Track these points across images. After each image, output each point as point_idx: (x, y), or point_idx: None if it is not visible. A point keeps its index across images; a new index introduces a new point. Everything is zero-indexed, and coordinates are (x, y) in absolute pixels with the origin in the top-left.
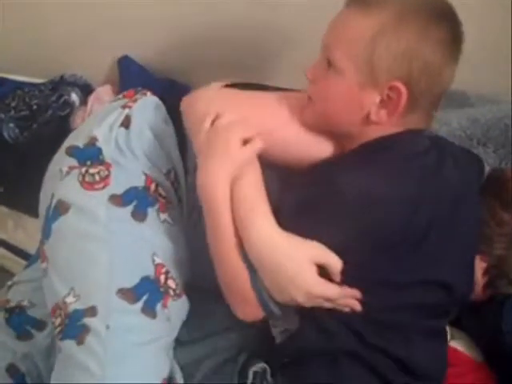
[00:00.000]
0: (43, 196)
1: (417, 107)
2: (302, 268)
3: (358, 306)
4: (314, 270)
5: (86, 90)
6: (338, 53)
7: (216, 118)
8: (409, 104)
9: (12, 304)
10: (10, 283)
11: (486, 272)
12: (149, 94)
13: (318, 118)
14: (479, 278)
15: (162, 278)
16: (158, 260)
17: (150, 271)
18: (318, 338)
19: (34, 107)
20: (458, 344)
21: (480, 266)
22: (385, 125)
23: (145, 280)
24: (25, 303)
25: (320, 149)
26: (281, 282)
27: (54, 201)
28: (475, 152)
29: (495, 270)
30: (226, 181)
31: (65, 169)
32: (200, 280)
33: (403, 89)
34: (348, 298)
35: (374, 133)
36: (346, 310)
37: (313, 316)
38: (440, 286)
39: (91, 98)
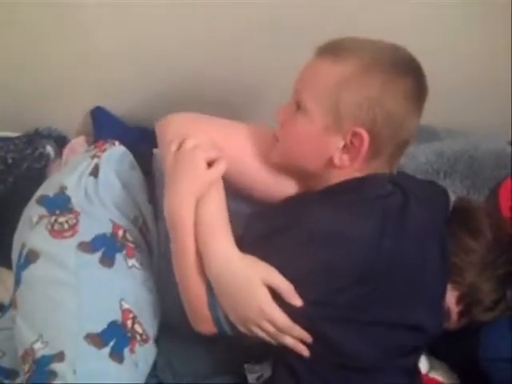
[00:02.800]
0: (15, 245)
1: (380, 154)
2: (254, 285)
3: (305, 352)
4: (265, 289)
5: (61, 142)
6: (307, 96)
7: (183, 142)
8: (371, 151)
9: None
10: None
11: (459, 300)
12: (117, 143)
13: (284, 158)
14: (453, 307)
15: (129, 322)
16: (125, 305)
17: (117, 316)
18: (289, 382)
19: (10, 161)
20: (436, 374)
21: (453, 294)
22: (347, 169)
23: (112, 325)
24: None
25: (282, 186)
26: (234, 299)
27: (25, 250)
28: (441, 184)
29: (469, 298)
30: (191, 202)
31: (35, 218)
32: (176, 320)
33: (366, 136)
34: (296, 339)
35: (337, 176)
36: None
37: (284, 361)
38: (407, 327)
39: (66, 150)
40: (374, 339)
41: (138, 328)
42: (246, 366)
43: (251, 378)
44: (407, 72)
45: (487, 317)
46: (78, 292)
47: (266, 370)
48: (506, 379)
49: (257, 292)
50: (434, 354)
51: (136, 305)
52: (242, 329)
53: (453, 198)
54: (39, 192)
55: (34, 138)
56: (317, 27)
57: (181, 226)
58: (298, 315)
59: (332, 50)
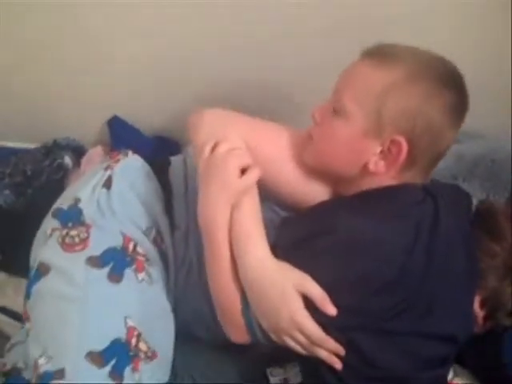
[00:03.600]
0: (32, 258)
1: (415, 164)
2: (287, 293)
3: (338, 365)
4: (298, 298)
5: (79, 152)
6: (348, 98)
7: (215, 146)
8: (407, 160)
9: (8, 367)
10: (8, 346)
11: (482, 305)
12: (130, 153)
13: (317, 159)
14: (478, 310)
15: (134, 340)
16: (130, 323)
17: (121, 334)
18: None
19: (29, 173)
20: (460, 381)
21: (477, 299)
22: (381, 176)
23: (115, 343)
24: (19, 365)
25: (314, 191)
26: (266, 306)
27: (37, 263)
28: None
29: (492, 302)
30: (225, 209)
31: (48, 231)
32: (196, 331)
33: (404, 144)
34: (329, 351)
35: (369, 183)
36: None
37: (315, 372)
38: (440, 337)
39: (84, 160)
40: (406, 350)
41: (142, 346)
42: (268, 369)
43: (273, 380)
44: (452, 85)
45: (511, 321)
46: (83, 308)
47: (291, 375)
48: None
49: (290, 300)
50: (458, 360)
51: (143, 321)
52: (274, 337)
53: (474, 201)
54: (55, 205)
55: (52, 149)
56: (336, 26)
57: (215, 233)
58: (331, 325)
59: (379, 54)
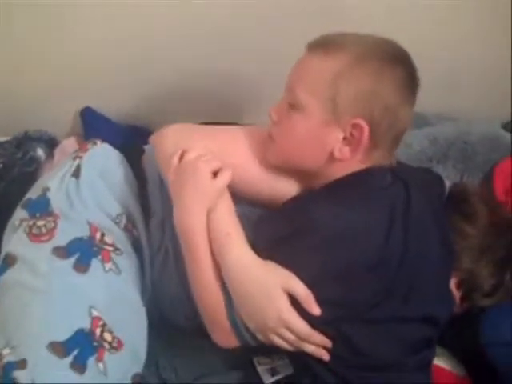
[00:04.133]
0: (2, 250)
1: (379, 144)
2: (273, 292)
3: (325, 356)
4: (284, 297)
5: (52, 144)
6: (302, 92)
7: (183, 154)
8: (371, 141)
9: None
10: None
11: (459, 286)
12: (99, 142)
13: (281, 158)
14: (454, 292)
15: (98, 330)
16: (95, 313)
17: (85, 324)
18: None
19: (0, 166)
20: (439, 361)
21: (453, 281)
22: (349, 162)
23: (79, 333)
24: None
25: (283, 188)
26: (252, 306)
27: (3, 253)
28: (435, 170)
29: (468, 283)
30: (201, 214)
31: (17, 222)
32: (174, 317)
33: (365, 126)
34: (317, 345)
35: (338, 170)
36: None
37: (305, 363)
38: (421, 319)
39: (57, 152)
40: (392, 336)
41: (107, 336)
42: (254, 358)
43: (261, 368)
44: (398, 62)
45: (487, 302)
46: (46, 299)
47: (279, 365)
48: (508, 363)
49: (276, 299)
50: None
51: (109, 311)
52: (261, 337)
53: (447, 184)
54: (26, 196)
55: (24, 141)
56: (315, 23)
57: (194, 238)
58: (318, 319)
59: (323, 45)
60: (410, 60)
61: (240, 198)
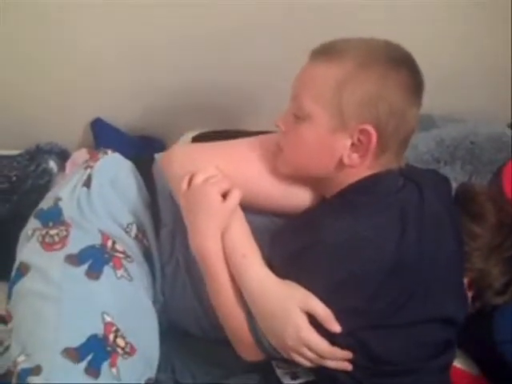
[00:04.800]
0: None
1: (387, 148)
2: (291, 312)
3: (348, 367)
4: (301, 315)
5: (63, 156)
6: (308, 101)
7: (191, 179)
8: (379, 146)
9: (2, 371)
10: (1, 350)
11: (470, 286)
12: (110, 151)
13: (291, 167)
14: (467, 292)
15: (111, 336)
16: (108, 318)
17: (98, 330)
18: None
19: (14, 179)
20: (455, 361)
21: (464, 280)
22: (358, 168)
23: (92, 339)
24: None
25: (298, 197)
26: (272, 325)
27: (17, 263)
28: (442, 172)
29: (479, 282)
30: (216, 237)
31: (30, 232)
32: (188, 329)
33: (372, 131)
34: (338, 360)
35: (349, 177)
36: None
37: (327, 372)
38: (439, 321)
39: (68, 164)
40: (412, 340)
41: (120, 341)
42: (273, 362)
43: (280, 372)
44: (401, 65)
45: (500, 300)
46: (59, 306)
47: (299, 371)
48: None
49: (294, 319)
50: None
51: (121, 317)
52: (283, 354)
53: (454, 185)
54: (38, 206)
55: (36, 154)
56: (317, 30)
57: (211, 262)
58: (339, 333)
59: (325, 52)
60: (413, 62)
61: (257, 209)
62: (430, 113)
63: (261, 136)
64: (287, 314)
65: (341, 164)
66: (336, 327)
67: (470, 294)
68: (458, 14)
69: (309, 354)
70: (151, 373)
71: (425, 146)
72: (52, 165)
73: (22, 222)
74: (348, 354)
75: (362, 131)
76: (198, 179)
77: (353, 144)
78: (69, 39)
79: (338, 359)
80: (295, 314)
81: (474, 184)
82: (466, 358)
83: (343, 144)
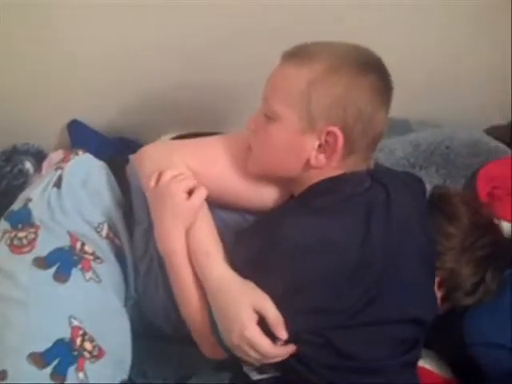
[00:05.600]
0: None
1: (354, 150)
2: (241, 310)
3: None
4: (251, 315)
5: (40, 157)
6: (278, 102)
7: (160, 176)
8: (346, 147)
9: None
10: None
11: (440, 286)
12: (81, 152)
13: (260, 167)
14: (436, 291)
15: (78, 340)
16: (75, 322)
17: (64, 334)
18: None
19: None
20: (425, 363)
21: (435, 280)
22: (325, 168)
23: (58, 343)
24: None
25: (267, 195)
26: (224, 323)
27: None
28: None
29: (449, 282)
30: (181, 234)
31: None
32: (160, 327)
33: (339, 133)
34: (283, 358)
35: (316, 177)
36: None
37: (290, 366)
38: (406, 321)
39: (45, 164)
40: (377, 339)
41: (87, 345)
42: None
43: (247, 368)
44: (370, 69)
45: (469, 301)
46: (26, 310)
47: (266, 368)
48: (493, 363)
49: (242, 317)
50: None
51: (89, 320)
52: (234, 352)
53: (428, 187)
54: (10, 208)
55: (12, 154)
56: (303, 33)
57: (175, 259)
58: (304, 330)
59: (296, 55)
60: (383, 66)
61: (228, 207)
62: (407, 117)
63: (232, 134)
64: (237, 312)
65: (307, 165)
66: (283, 333)
67: (439, 294)
68: (439, 22)
69: (252, 352)
70: (124, 374)
71: (401, 150)
72: (28, 166)
73: None
74: (292, 349)
75: (329, 133)
76: (166, 176)
77: (320, 145)
78: (44, 39)
79: (283, 357)
80: (244, 313)
81: (448, 186)
82: (438, 360)
83: (311, 145)
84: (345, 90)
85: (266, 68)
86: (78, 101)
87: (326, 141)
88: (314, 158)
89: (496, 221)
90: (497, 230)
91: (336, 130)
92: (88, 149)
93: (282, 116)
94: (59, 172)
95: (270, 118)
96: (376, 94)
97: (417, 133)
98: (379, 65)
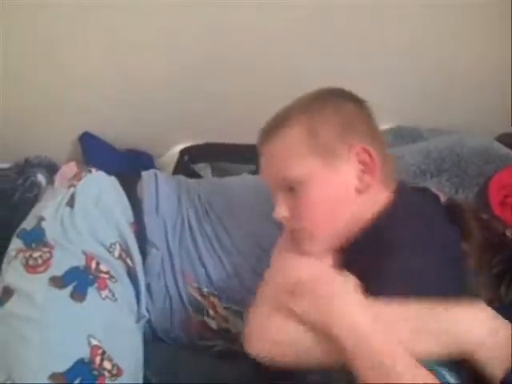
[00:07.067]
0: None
1: (385, 162)
2: None
3: None
4: None
5: (52, 170)
6: (293, 167)
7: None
8: (380, 160)
9: None
10: None
11: None
12: (94, 170)
13: (324, 235)
14: None
15: (98, 359)
16: (94, 341)
17: (84, 353)
18: None
19: (2, 192)
20: None
21: None
22: (374, 191)
23: (79, 363)
24: None
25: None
26: None
27: (1, 287)
28: (429, 184)
29: None
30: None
31: (13, 252)
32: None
33: (366, 146)
34: None
35: (370, 206)
36: None
37: None
38: None
39: (57, 177)
40: None
41: (106, 364)
42: None
43: None
44: (340, 94)
45: None
46: (44, 329)
47: None
48: None
49: None
50: None
51: (107, 338)
52: None
53: (443, 198)
54: (21, 225)
55: (25, 167)
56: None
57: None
58: None
59: (274, 126)
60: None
61: None
62: (417, 125)
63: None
64: None
65: (359, 193)
66: None
67: None
68: (443, 29)
69: None
70: None
71: (412, 158)
72: (40, 178)
73: (10, 235)
74: None
75: (358, 152)
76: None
77: (357, 166)
78: (57, 53)
79: None
80: None
81: (461, 202)
82: None
83: (348, 173)
84: (340, 116)
85: (276, 76)
86: (89, 113)
87: (359, 161)
88: (359, 180)
89: (509, 231)
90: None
91: (358, 145)
92: (99, 161)
93: (307, 174)
94: (72, 190)
95: (296, 190)
96: (363, 114)
97: (427, 140)
98: (352, 94)
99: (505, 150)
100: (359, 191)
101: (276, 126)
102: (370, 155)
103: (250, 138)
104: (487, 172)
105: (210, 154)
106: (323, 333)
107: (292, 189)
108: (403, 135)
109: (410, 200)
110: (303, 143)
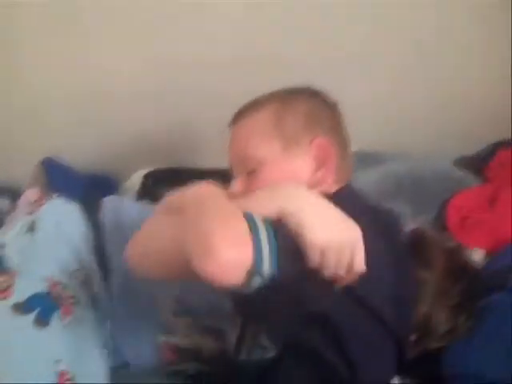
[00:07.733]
0: None
1: (343, 157)
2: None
3: None
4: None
5: (15, 195)
6: (256, 148)
7: None
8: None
9: None
10: None
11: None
12: (55, 196)
13: None
14: None
15: None
16: (61, 367)
17: (52, 379)
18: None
19: None
20: None
21: None
22: (327, 185)
23: None
24: None
25: None
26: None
27: None
28: (388, 206)
29: (421, 328)
30: None
31: None
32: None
33: (324, 141)
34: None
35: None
36: None
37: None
38: None
39: (20, 202)
40: None
41: None
42: None
43: None
44: (313, 93)
45: (439, 344)
46: (8, 357)
47: None
48: None
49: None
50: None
51: (74, 363)
52: (328, 254)
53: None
54: None
55: None
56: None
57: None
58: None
59: (246, 109)
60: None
61: None
62: (376, 149)
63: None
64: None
65: (307, 187)
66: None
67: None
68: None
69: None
70: None
71: (371, 181)
72: (2, 204)
73: None
74: None
75: (317, 145)
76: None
77: (310, 158)
78: (16, 77)
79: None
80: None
81: (424, 229)
82: None
83: (303, 165)
84: (308, 107)
85: (235, 105)
86: (52, 137)
87: (316, 155)
88: (312, 174)
89: (469, 252)
90: (472, 272)
91: (320, 139)
92: (62, 186)
93: (266, 156)
94: (33, 217)
95: (254, 169)
96: (328, 108)
97: (386, 164)
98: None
99: (461, 172)
100: (309, 185)
101: (248, 109)
102: (328, 150)
103: (214, 162)
104: (445, 194)
105: (173, 178)
106: None
107: (252, 172)
108: (364, 159)
109: (352, 196)
110: (270, 126)
